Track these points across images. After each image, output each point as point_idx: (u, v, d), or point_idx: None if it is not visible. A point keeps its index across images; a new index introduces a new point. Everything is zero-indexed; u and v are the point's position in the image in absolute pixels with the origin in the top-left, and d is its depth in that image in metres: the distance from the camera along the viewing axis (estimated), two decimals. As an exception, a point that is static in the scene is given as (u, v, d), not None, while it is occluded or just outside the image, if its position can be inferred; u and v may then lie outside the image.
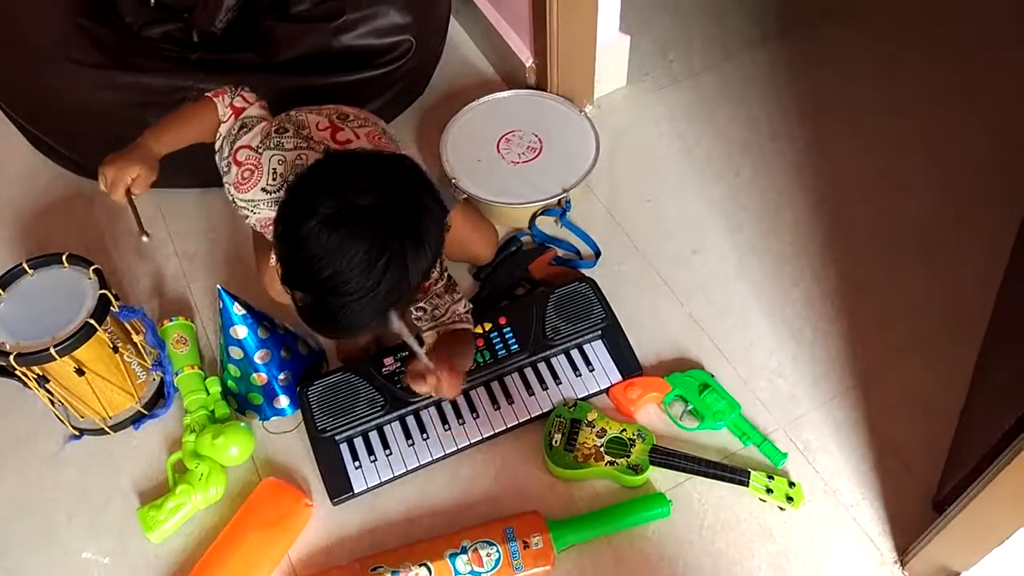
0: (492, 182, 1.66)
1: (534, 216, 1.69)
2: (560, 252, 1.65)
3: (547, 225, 1.69)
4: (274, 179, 1.21)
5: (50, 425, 1.46)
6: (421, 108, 1.89)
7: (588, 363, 1.47)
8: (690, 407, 1.42)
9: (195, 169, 1.74)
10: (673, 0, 2.09)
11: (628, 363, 1.46)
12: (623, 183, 1.76)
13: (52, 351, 1.24)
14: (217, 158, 1.30)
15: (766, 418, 1.42)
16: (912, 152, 1.76)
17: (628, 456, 1.35)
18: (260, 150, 1.24)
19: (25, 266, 1.34)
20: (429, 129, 1.83)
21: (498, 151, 1.72)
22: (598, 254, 1.64)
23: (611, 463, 1.34)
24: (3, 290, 1.32)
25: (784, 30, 2.01)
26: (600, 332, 1.49)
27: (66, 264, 1.34)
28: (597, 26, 1.74)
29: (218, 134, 1.30)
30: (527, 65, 1.83)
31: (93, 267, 1.33)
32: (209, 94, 1.31)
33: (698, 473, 1.33)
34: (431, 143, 1.77)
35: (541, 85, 1.83)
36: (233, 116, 1.29)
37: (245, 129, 1.27)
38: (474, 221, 1.59)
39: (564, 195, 1.66)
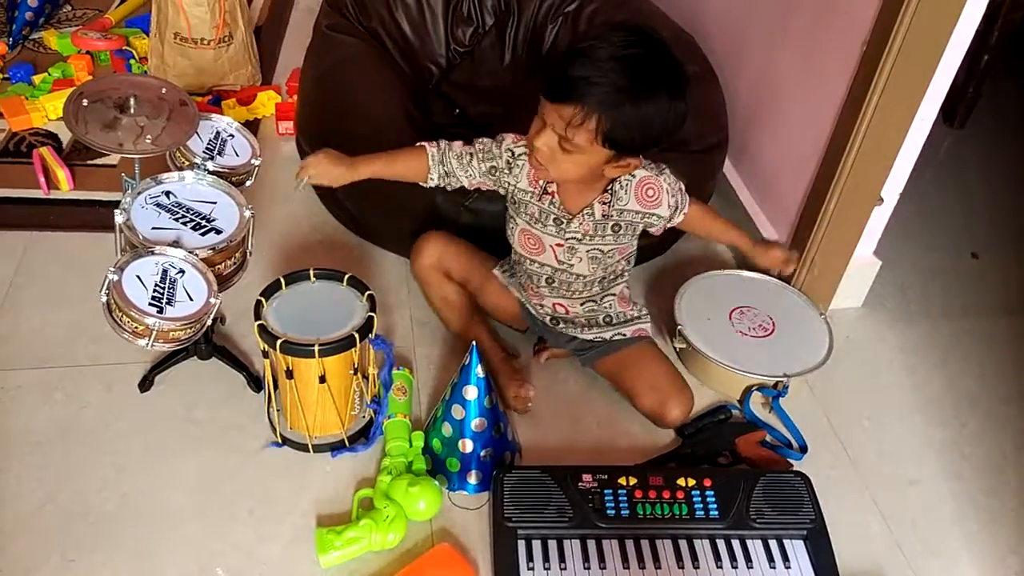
0: (716, 343, 1.69)
1: (748, 392, 1.68)
2: (769, 437, 1.62)
3: (758, 407, 1.67)
4: None
5: (258, 426, 1.52)
6: (654, 268, 1.97)
7: (786, 559, 1.38)
8: (888, 636, 1.30)
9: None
10: (924, 244, 2.14)
11: (828, 574, 1.37)
12: (844, 393, 1.74)
13: (316, 348, 1.32)
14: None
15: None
16: None
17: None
18: None
19: (311, 273, 1.45)
20: (662, 286, 1.91)
21: (729, 319, 1.76)
22: (804, 449, 1.60)
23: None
24: (286, 286, 1.44)
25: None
26: (806, 532, 1.41)
27: (345, 283, 1.45)
28: (857, 243, 1.80)
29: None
30: (777, 257, 1.89)
31: (368, 292, 1.43)
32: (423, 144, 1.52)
33: None
34: (661, 297, 1.82)
35: (784, 279, 1.88)
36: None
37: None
38: (672, 367, 1.62)
39: (784, 379, 1.65)
